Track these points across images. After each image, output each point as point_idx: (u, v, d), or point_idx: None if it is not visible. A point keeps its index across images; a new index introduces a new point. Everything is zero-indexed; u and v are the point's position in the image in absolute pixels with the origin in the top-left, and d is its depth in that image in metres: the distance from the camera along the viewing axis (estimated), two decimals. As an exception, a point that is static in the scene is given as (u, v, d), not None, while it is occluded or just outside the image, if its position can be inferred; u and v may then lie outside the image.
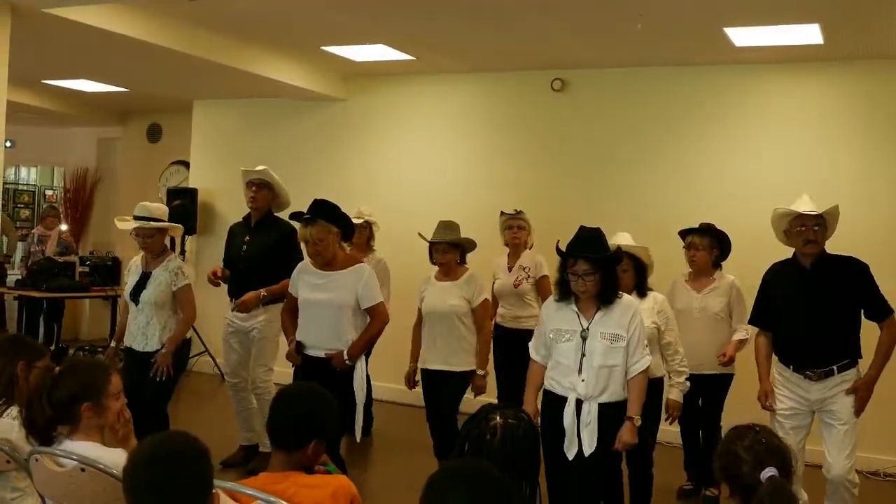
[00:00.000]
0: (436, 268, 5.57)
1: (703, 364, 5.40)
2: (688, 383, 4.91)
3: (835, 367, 4.47)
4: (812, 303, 4.51)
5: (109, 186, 11.81)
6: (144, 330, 5.33)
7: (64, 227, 10.76)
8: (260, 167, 5.98)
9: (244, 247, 5.95)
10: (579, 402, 4.01)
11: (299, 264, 5.11)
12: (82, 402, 2.99)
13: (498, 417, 2.46)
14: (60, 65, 8.25)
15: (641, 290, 4.85)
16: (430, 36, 6.87)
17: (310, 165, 8.74)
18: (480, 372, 5.43)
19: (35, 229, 10.74)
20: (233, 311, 5.90)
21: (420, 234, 5.64)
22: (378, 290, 4.99)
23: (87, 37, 6.37)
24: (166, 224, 5.48)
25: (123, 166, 11.68)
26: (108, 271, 9.97)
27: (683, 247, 5.68)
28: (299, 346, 4.97)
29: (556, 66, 7.63)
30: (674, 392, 4.89)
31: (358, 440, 4.95)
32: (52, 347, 9.31)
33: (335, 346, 4.86)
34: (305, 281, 4.98)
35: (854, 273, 4.52)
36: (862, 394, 4.44)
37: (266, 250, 5.83)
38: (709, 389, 5.55)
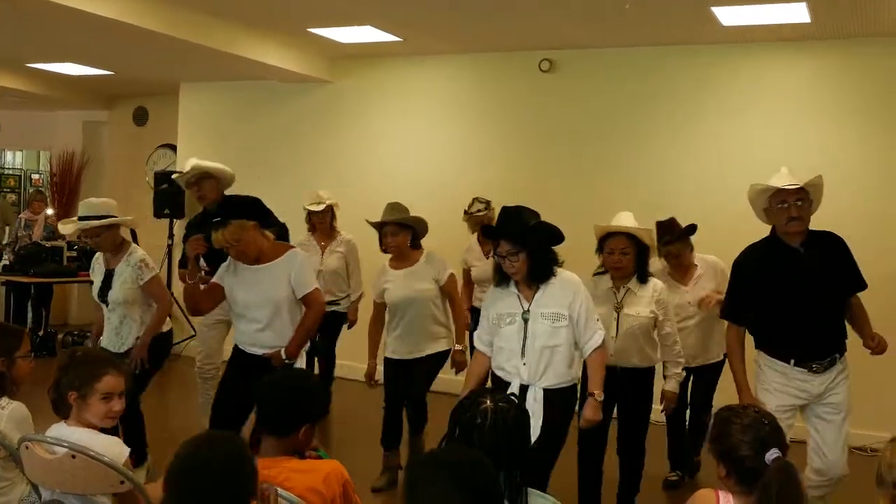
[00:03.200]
0: (387, 257, 5.44)
1: (699, 356, 5.38)
2: (684, 373, 4.83)
3: (836, 355, 4.21)
4: (812, 287, 4.13)
5: (96, 170, 11.73)
6: (118, 330, 5.08)
7: (51, 211, 10.71)
8: (188, 164, 5.74)
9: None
10: (523, 388, 3.96)
11: (229, 258, 4.67)
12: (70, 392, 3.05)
13: (488, 401, 2.47)
14: (45, 48, 8.18)
15: (642, 276, 4.62)
16: (417, 17, 6.83)
17: (297, 147, 8.72)
18: (459, 347, 5.39)
19: (22, 214, 10.68)
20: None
21: (367, 221, 5.51)
22: (312, 277, 4.73)
23: (72, 19, 6.31)
24: (109, 221, 4.99)
25: (110, 150, 11.62)
26: (96, 256, 9.93)
27: (660, 256, 5.32)
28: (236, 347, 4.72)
29: (543, 46, 7.61)
30: (670, 383, 4.76)
31: None
32: (41, 333, 9.29)
33: (272, 344, 4.59)
34: (236, 275, 4.63)
35: (839, 247, 4.25)
36: (882, 345, 4.26)
37: None
38: (703, 378, 5.53)
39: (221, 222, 4.48)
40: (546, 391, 3.94)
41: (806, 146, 6.86)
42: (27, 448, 3.00)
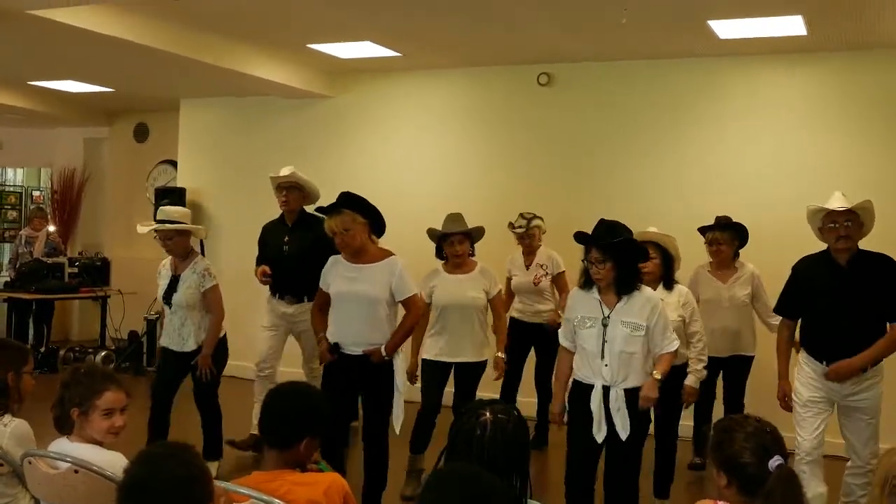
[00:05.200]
0: (439, 262, 5.63)
1: (727, 347, 5.83)
2: (705, 371, 5.10)
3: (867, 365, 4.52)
4: (849, 303, 4.49)
5: (97, 187, 11.76)
6: (180, 331, 5.54)
7: (52, 228, 10.73)
8: (286, 170, 6.13)
9: (285, 246, 6.17)
10: (606, 389, 4.24)
11: (331, 258, 4.96)
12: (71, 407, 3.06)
13: (488, 413, 2.48)
14: (46, 66, 8.23)
15: (668, 283, 5.01)
16: (415, 32, 6.88)
17: (297, 162, 8.53)
18: (501, 355, 5.64)
19: (23, 231, 10.70)
20: None
21: (431, 229, 5.64)
22: (412, 282, 4.91)
23: (73, 38, 6.36)
24: (184, 226, 5.56)
25: (111, 166, 11.65)
26: (98, 272, 9.94)
27: (705, 242, 5.95)
28: (335, 347, 4.84)
29: (541, 60, 7.66)
30: (691, 378, 5.02)
31: (398, 432, 4.87)
32: (42, 349, 9.29)
33: (371, 341, 4.77)
34: (338, 273, 4.86)
35: (887, 271, 4.53)
36: (838, 371, 4.51)
37: (307, 248, 5.90)
38: (733, 371, 5.96)
39: (337, 210, 4.72)
40: (626, 391, 4.24)
41: (803, 157, 6.91)
42: (30, 463, 3.01)
